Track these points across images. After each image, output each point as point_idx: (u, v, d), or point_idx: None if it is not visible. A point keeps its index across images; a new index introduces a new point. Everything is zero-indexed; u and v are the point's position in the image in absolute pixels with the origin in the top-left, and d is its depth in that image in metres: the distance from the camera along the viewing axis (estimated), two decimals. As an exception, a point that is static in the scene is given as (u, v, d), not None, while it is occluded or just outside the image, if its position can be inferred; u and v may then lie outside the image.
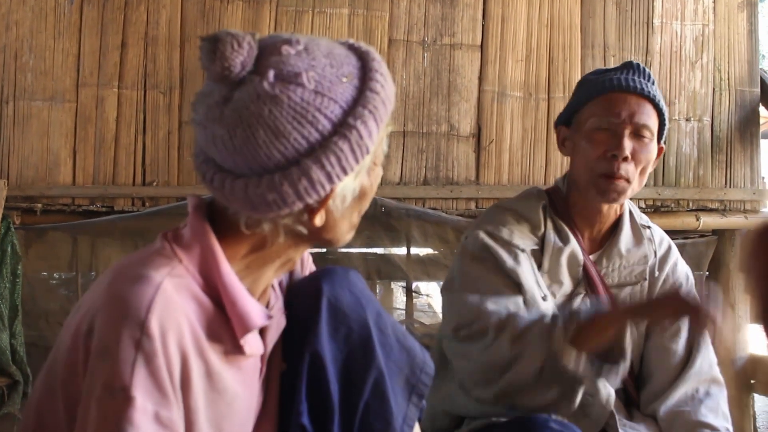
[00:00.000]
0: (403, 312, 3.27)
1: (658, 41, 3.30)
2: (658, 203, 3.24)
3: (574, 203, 2.03)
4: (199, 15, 3.01)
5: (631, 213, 2.07)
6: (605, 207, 1.99)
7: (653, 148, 1.93)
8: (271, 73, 1.13)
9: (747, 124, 3.34)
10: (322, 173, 1.14)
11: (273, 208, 1.15)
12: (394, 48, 3.14)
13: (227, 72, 1.13)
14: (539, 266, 1.96)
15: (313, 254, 3.19)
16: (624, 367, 1.83)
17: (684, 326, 2.00)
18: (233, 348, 1.23)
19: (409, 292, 3.26)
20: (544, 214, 2.01)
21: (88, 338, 1.12)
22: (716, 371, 2.01)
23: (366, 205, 1.29)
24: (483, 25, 3.19)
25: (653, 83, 1.96)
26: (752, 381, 3.28)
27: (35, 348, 2.86)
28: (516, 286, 1.91)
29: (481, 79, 3.19)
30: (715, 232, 3.32)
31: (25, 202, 2.93)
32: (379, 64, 1.23)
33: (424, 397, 1.47)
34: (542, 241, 1.98)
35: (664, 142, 2.02)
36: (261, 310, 1.26)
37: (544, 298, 1.91)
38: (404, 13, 3.14)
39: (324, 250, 3.13)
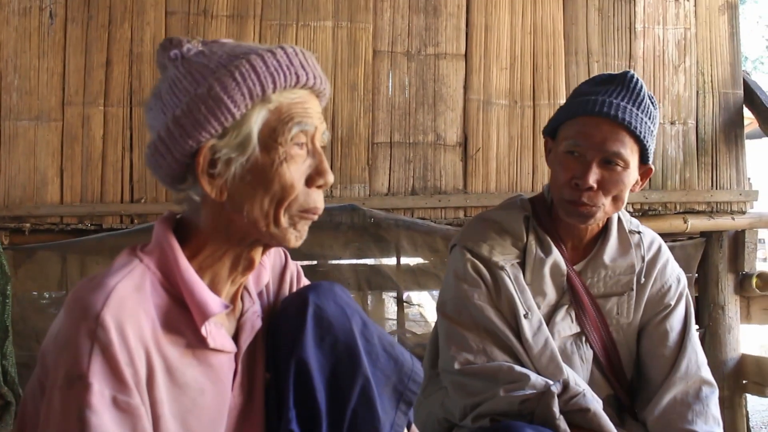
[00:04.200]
0: (395, 322, 3.27)
1: (640, 46, 3.33)
2: (646, 207, 3.26)
3: (556, 214, 1.99)
4: (183, 31, 3.02)
5: (619, 219, 2.03)
6: None
7: (627, 176, 1.87)
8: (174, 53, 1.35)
9: (731, 126, 3.37)
10: (176, 126, 1.24)
11: (156, 159, 1.27)
12: (378, 59, 3.15)
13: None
14: (523, 278, 1.95)
15: (303, 267, 3.23)
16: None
17: (672, 329, 1.99)
18: (197, 341, 1.28)
19: (401, 303, 3.26)
20: (526, 225, 1.99)
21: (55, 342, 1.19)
22: (705, 372, 1.97)
23: (278, 191, 1.27)
24: (467, 34, 3.21)
25: (639, 102, 1.92)
26: (744, 381, 3.29)
27: (27, 368, 2.84)
28: (500, 311, 1.91)
29: (466, 88, 3.21)
30: (703, 234, 3.34)
31: (13, 222, 2.93)
32: (282, 50, 1.27)
33: (412, 404, 1.50)
34: (524, 253, 1.96)
35: (653, 163, 1.98)
36: (219, 302, 1.29)
37: (525, 315, 1.89)
38: (388, 24, 3.16)
39: (314, 262, 3.13)
